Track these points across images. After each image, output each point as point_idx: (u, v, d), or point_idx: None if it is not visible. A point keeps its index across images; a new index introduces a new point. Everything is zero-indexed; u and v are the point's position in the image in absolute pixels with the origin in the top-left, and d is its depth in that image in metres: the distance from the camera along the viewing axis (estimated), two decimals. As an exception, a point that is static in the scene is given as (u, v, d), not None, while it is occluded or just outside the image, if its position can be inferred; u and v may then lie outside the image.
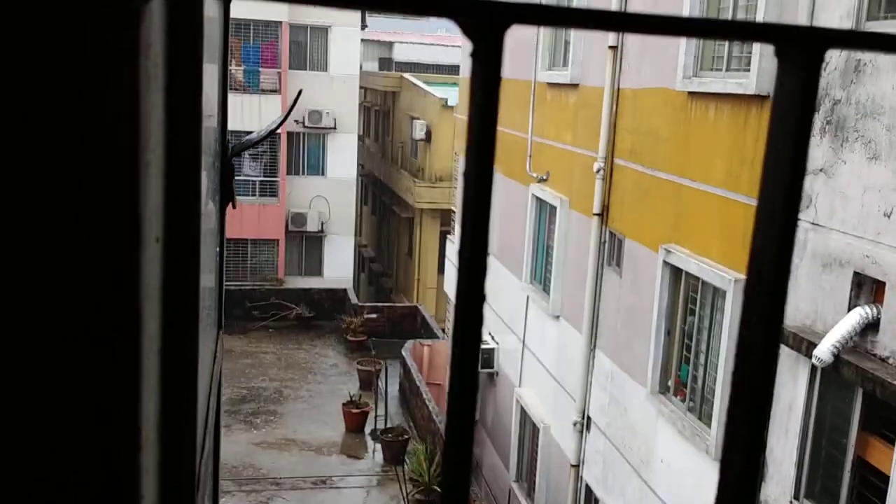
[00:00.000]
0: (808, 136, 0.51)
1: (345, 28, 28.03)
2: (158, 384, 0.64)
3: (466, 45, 0.49)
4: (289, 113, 2.87)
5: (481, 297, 0.51)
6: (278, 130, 26.97)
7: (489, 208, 0.48)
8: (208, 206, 1.16)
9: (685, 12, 9.13)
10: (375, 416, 18.82)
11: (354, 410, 18.93)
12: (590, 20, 0.46)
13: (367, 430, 18.97)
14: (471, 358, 0.50)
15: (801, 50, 0.49)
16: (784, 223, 0.52)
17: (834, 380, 6.85)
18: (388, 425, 18.45)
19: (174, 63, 0.64)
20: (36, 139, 0.45)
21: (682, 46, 9.15)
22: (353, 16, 28.23)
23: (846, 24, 6.76)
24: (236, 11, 25.33)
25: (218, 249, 1.49)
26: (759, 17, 7.82)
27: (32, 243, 0.46)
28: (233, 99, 26.49)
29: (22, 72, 0.44)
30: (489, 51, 0.46)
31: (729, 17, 8.65)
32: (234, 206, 1.56)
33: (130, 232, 0.46)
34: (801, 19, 7.23)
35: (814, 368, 6.96)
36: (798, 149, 0.50)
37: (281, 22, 26.96)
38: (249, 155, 27.40)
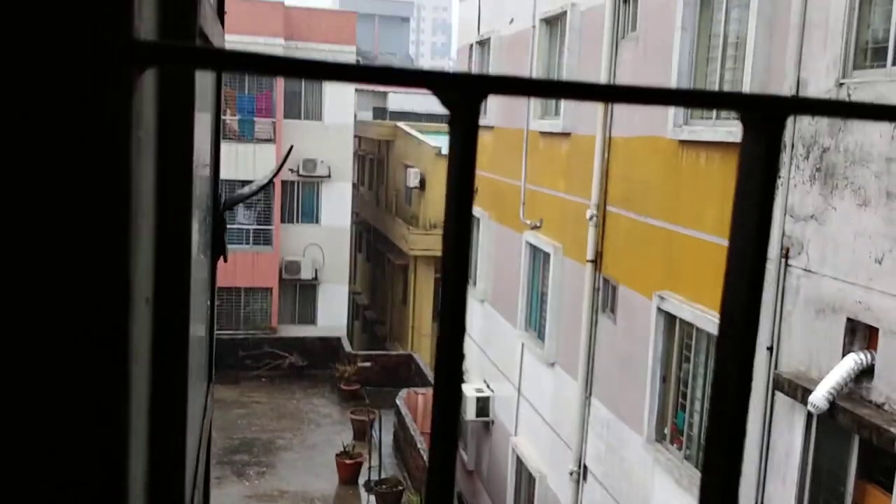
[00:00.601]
0: (773, 196, 0.53)
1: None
2: (146, 443, 0.65)
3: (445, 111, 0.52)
4: (279, 169, 2.91)
5: (460, 360, 0.52)
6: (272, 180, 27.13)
7: (467, 270, 0.49)
8: (199, 260, 1.17)
9: (673, 69, 9.27)
10: (369, 467, 18.62)
11: (348, 461, 18.72)
12: (559, 90, 0.48)
13: (361, 481, 18.74)
14: (453, 403, 0.52)
15: (764, 117, 0.52)
16: (752, 271, 0.54)
17: (830, 427, 6.83)
18: (383, 476, 18.24)
19: (166, 129, 0.67)
20: (26, 206, 0.47)
21: (672, 95, 9.27)
22: (348, 66, 28.53)
23: (832, 74, 6.87)
24: (232, 62, 25.59)
25: (209, 303, 1.50)
26: (748, 67, 7.95)
27: (21, 309, 0.47)
28: (227, 148, 26.68)
29: (15, 138, 0.46)
30: (465, 120, 0.48)
31: (717, 68, 8.80)
32: (225, 260, 1.57)
33: (119, 297, 0.47)
34: (789, 69, 7.35)
35: (809, 415, 6.94)
36: (763, 207, 0.53)
37: (276, 72, 27.22)
38: (244, 203, 27.49)
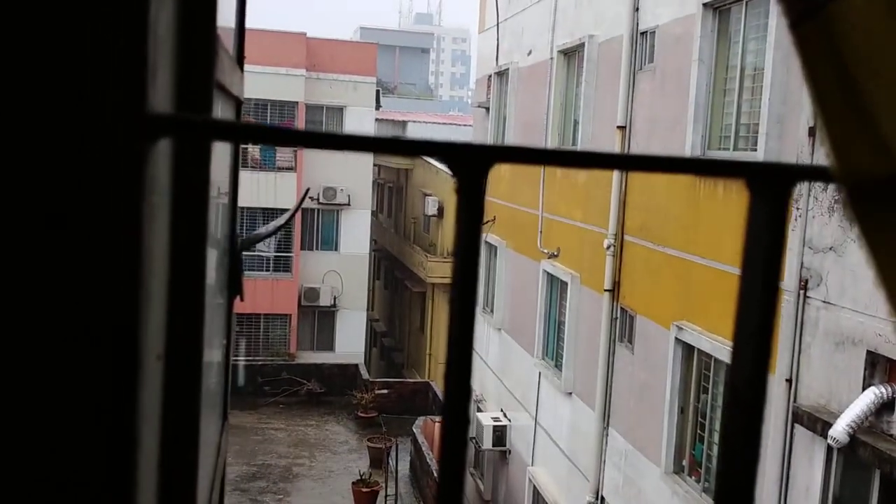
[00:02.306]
0: (780, 261, 0.53)
1: (359, 108, 28.57)
2: (156, 493, 0.66)
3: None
4: (295, 210, 2.95)
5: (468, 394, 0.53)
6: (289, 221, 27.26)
7: (473, 320, 0.50)
8: (214, 305, 1.19)
9: (690, 101, 9.27)
10: (386, 496, 18.51)
11: (364, 489, 18.63)
12: (564, 159, 0.49)
13: (378, 509, 18.63)
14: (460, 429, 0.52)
15: (770, 184, 0.52)
16: (759, 338, 0.54)
17: (851, 461, 6.74)
18: (399, 504, 18.13)
19: (182, 187, 0.68)
20: (37, 269, 0.48)
21: (690, 125, 9.28)
22: (368, 96, 28.80)
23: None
24: (253, 91, 25.89)
25: (225, 341, 1.52)
26: (765, 99, 7.94)
27: (31, 368, 0.48)
28: (249, 176, 26.90)
29: (26, 202, 0.47)
30: (472, 188, 0.49)
31: (734, 99, 8.79)
32: (241, 299, 1.59)
33: (128, 356, 0.48)
34: (806, 101, 7.34)
35: (830, 449, 6.85)
36: (768, 275, 0.53)
37: (297, 102, 27.51)
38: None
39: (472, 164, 0.48)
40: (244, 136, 0.47)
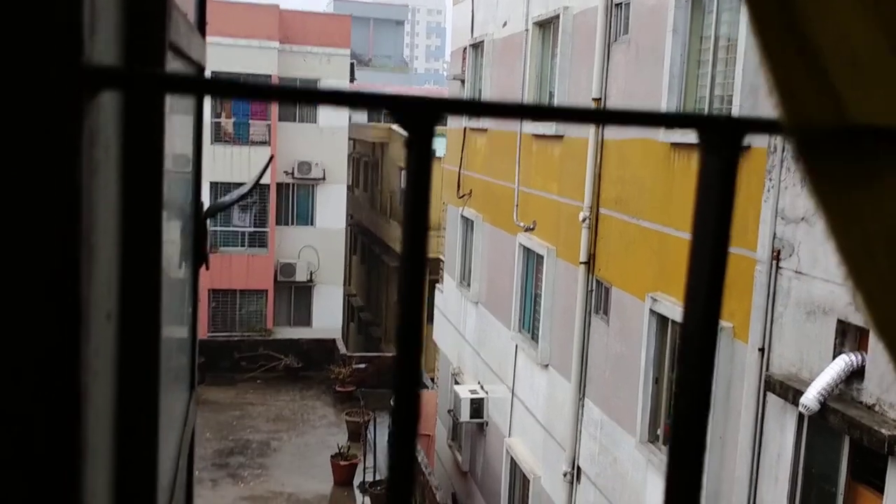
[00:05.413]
0: (730, 214, 0.54)
1: (334, 81, 28.35)
2: (111, 461, 0.65)
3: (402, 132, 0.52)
4: (259, 177, 2.92)
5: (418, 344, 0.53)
6: (268, 182, 27.09)
7: (422, 289, 0.50)
8: (175, 270, 1.17)
9: (665, 72, 9.28)
10: (364, 468, 18.62)
11: (343, 463, 18.72)
12: (508, 111, 0.49)
13: (356, 482, 18.75)
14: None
15: (721, 137, 0.52)
16: (709, 289, 0.54)
17: (821, 428, 6.85)
18: (378, 477, 18.24)
19: (133, 145, 0.67)
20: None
21: (665, 97, 9.29)
22: (342, 69, 28.58)
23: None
24: (226, 65, 25.59)
25: (191, 310, 1.50)
26: (738, 69, 7.97)
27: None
28: (222, 150, 26.66)
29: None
30: (420, 140, 0.48)
31: (709, 70, 8.82)
32: (207, 268, 1.58)
33: (69, 310, 0.47)
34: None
35: (801, 416, 6.96)
36: (720, 226, 0.53)
37: (270, 75, 27.25)
38: (239, 206, 27.46)
39: (420, 116, 0.48)
40: (188, 88, 0.46)
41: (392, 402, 0.51)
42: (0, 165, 0.44)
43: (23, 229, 0.45)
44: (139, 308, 0.67)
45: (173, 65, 0.96)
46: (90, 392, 0.52)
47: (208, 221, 1.70)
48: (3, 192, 0.45)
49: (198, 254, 1.46)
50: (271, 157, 4.47)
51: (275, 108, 27.50)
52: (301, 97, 0.49)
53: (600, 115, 0.50)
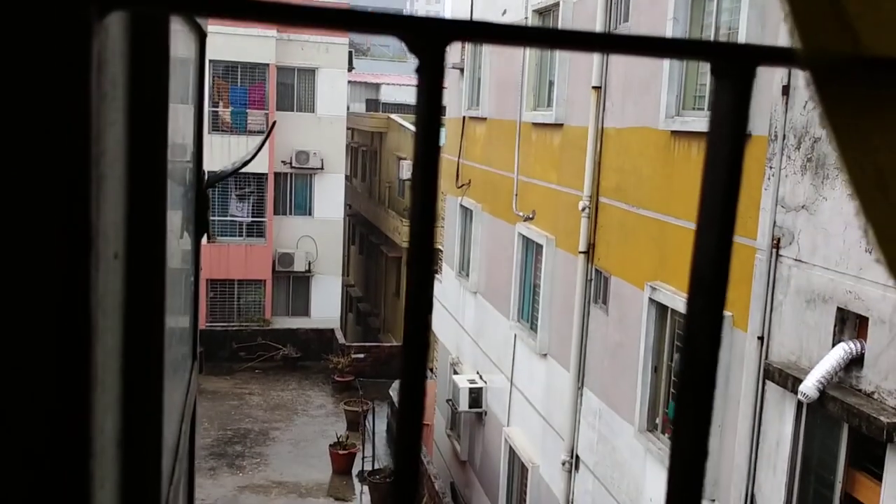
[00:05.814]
0: (743, 146, 0.53)
1: (332, 70, 28.29)
2: (119, 399, 0.65)
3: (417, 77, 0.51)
4: (262, 144, 2.91)
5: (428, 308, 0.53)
6: (265, 171, 27.04)
7: (434, 223, 0.49)
8: (183, 237, 1.17)
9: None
10: (363, 458, 18.65)
11: (341, 452, 18.75)
12: (524, 37, 0.48)
13: (355, 471, 18.78)
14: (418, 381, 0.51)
15: (734, 66, 0.52)
16: (722, 226, 0.54)
17: (820, 416, 6.86)
18: (376, 467, 18.28)
19: (138, 84, 0.66)
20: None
21: (665, 86, 9.27)
22: (340, 58, 28.50)
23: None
24: (224, 54, 25.53)
25: (193, 279, 1.50)
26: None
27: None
28: (221, 140, 26.60)
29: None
30: (432, 64, 0.48)
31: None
32: (209, 239, 1.57)
33: (80, 244, 0.47)
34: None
35: (800, 404, 6.97)
36: (733, 158, 0.52)
37: (268, 64, 27.19)
38: (236, 195, 27.45)
39: (431, 39, 0.47)
40: (185, 5, 0.45)
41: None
42: (9, 83, 0.44)
43: (34, 148, 0.45)
44: (145, 247, 0.67)
45: (180, 32, 0.95)
46: (99, 327, 0.51)
47: (209, 192, 1.70)
48: (12, 113, 0.44)
49: (200, 223, 1.45)
50: (273, 123, 4.44)
51: (272, 98, 27.44)
52: (308, 18, 0.48)
53: (608, 41, 0.49)
